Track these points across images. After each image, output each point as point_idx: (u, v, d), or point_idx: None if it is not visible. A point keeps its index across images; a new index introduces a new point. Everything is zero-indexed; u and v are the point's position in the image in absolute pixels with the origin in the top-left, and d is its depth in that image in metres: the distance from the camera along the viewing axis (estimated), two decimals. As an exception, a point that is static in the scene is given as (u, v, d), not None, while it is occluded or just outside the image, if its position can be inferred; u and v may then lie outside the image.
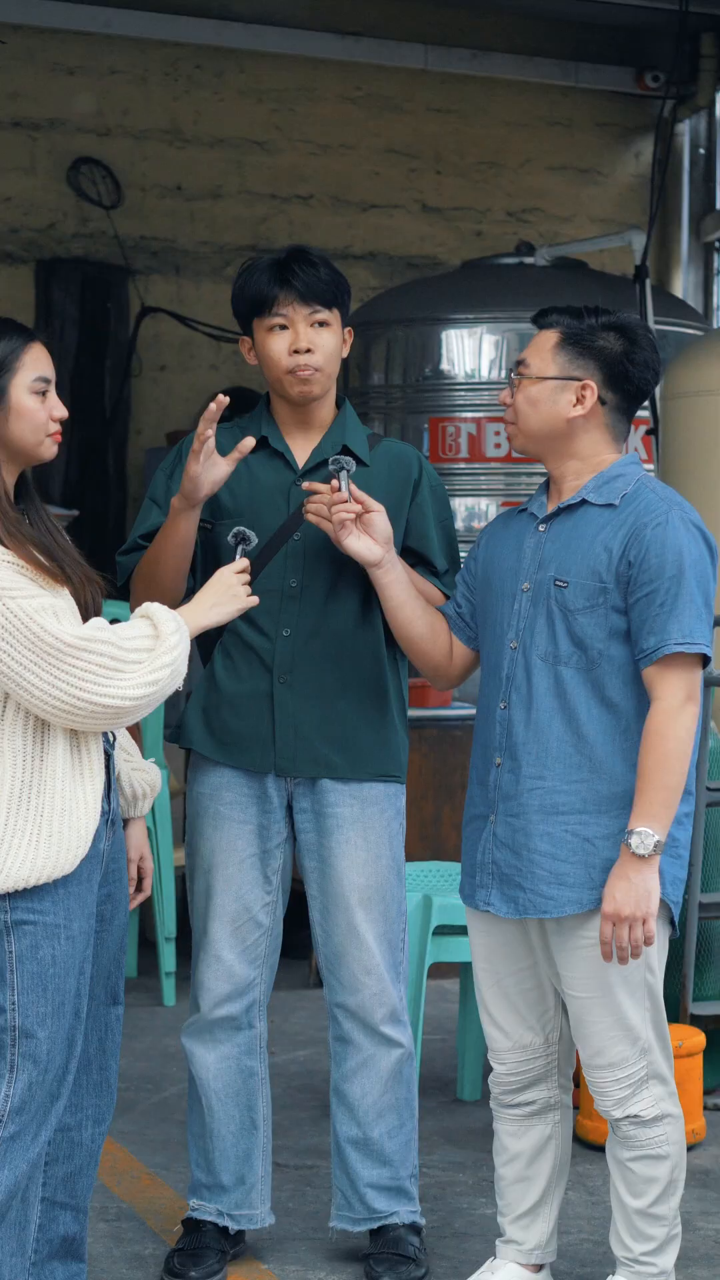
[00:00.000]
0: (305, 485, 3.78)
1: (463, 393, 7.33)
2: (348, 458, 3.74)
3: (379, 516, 3.70)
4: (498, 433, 7.20)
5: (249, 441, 3.70)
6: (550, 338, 3.62)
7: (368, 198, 10.16)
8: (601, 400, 3.60)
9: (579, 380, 3.59)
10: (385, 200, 10.19)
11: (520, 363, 3.65)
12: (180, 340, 9.85)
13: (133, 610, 3.71)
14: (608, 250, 8.74)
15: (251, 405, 4.11)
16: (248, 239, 9.90)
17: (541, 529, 3.64)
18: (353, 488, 3.69)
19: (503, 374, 7.28)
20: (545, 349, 3.62)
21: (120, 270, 9.69)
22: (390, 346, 7.45)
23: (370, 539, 3.69)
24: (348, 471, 3.70)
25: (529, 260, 7.61)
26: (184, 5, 9.30)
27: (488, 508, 7.24)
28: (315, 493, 3.75)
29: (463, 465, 7.20)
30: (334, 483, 3.69)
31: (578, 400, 3.59)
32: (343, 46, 9.59)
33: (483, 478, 7.24)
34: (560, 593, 3.56)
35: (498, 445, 7.21)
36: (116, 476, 9.66)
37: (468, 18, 9.76)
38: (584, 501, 3.60)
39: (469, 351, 7.34)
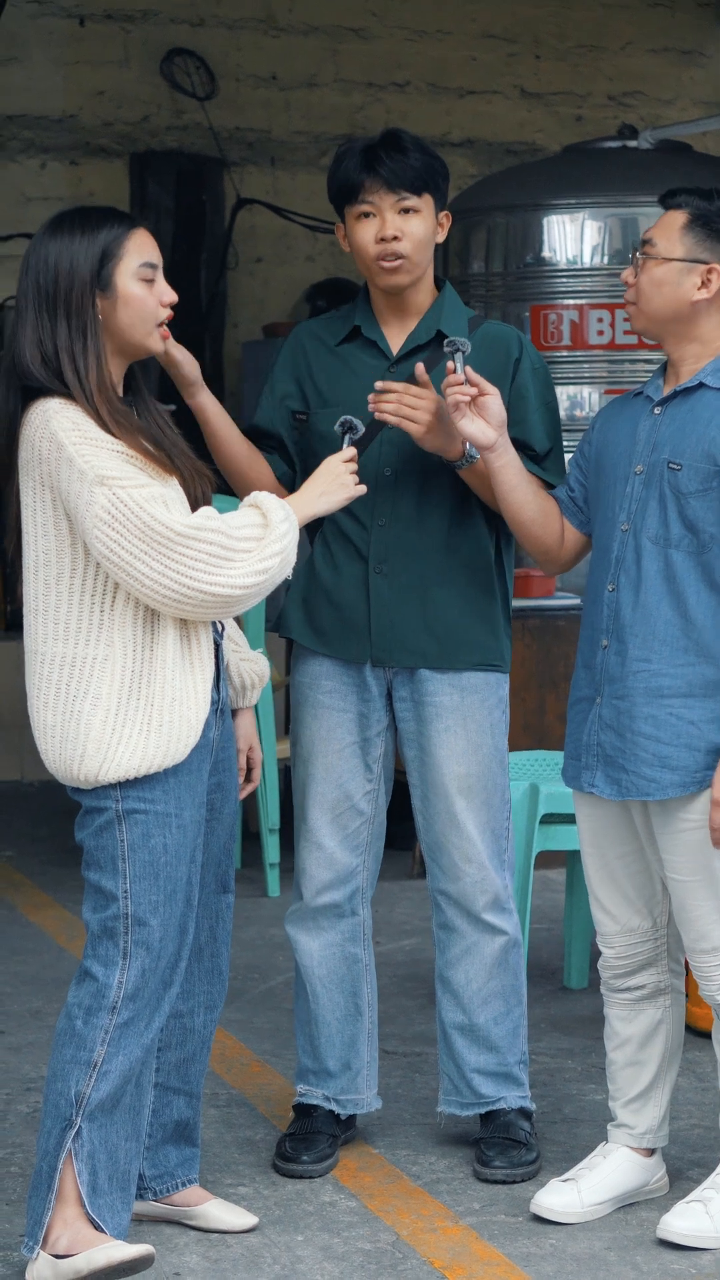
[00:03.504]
0: (379, 385, 3.73)
1: (565, 280, 7.22)
2: (463, 339, 3.69)
3: (493, 399, 3.66)
4: (600, 320, 7.11)
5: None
6: (678, 218, 3.56)
7: (465, 84, 10.01)
8: None
9: (705, 263, 3.54)
10: (483, 86, 10.04)
11: (646, 241, 3.59)
12: (276, 232, 9.78)
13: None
14: (710, 133, 8.58)
15: (346, 297, 4.09)
16: (344, 128, 9.79)
17: (657, 411, 3.60)
18: (468, 370, 3.65)
19: (605, 260, 7.18)
20: (673, 229, 3.56)
21: (215, 162, 9.62)
22: (490, 234, 7.35)
23: (484, 422, 3.66)
24: (463, 353, 3.65)
25: (632, 144, 7.46)
26: None
27: (590, 395, 7.16)
28: (374, 403, 3.70)
29: (565, 353, 7.11)
30: (450, 364, 3.65)
31: (703, 283, 3.54)
32: (439, -71, 9.43)
33: (585, 365, 7.15)
34: (674, 475, 3.52)
35: (600, 333, 7.11)
36: (213, 370, 9.63)
37: None
38: (701, 385, 3.56)
39: (571, 238, 7.23)
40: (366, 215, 3.80)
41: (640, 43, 10.24)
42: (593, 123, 10.04)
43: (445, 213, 3.88)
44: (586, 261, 7.22)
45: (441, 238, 3.88)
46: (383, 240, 3.78)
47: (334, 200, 3.87)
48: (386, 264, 3.79)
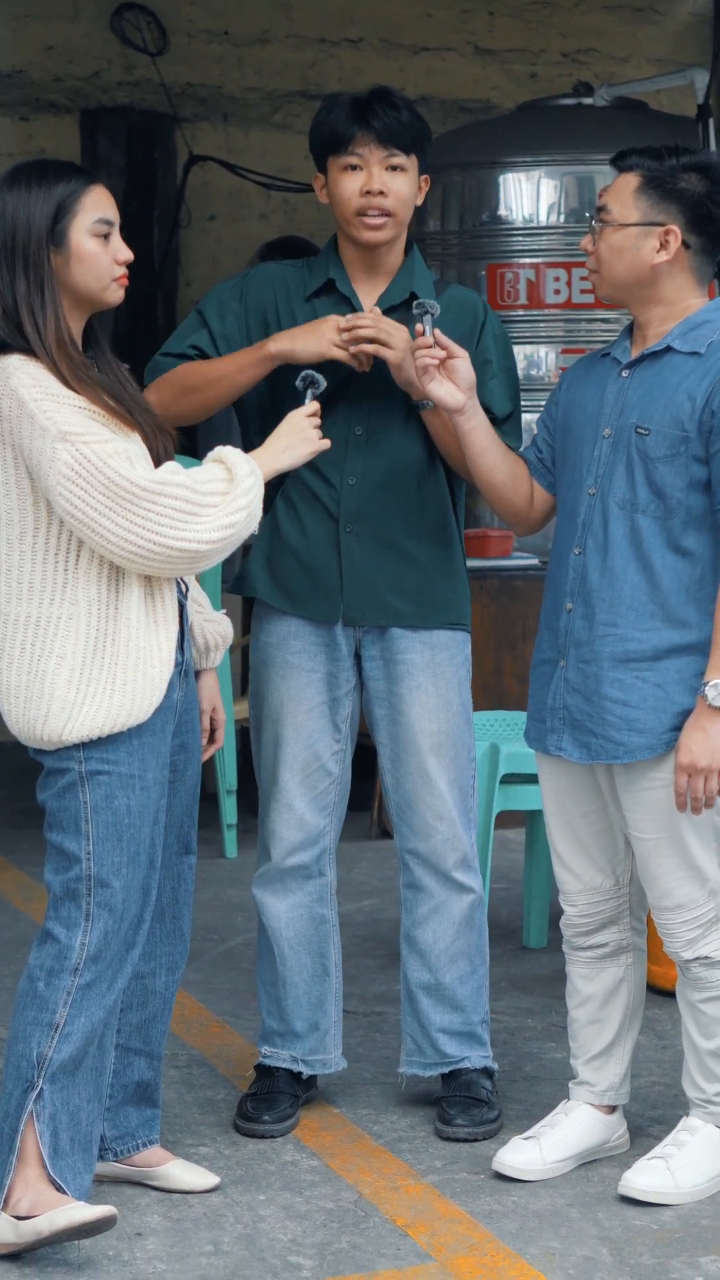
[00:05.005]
0: (349, 317, 3.71)
1: (521, 238, 7.20)
2: (433, 301, 3.68)
3: (462, 362, 3.64)
4: (557, 279, 7.09)
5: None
6: (631, 181, 3.53)
7: (419, 40, 9.94)
8: (685, 244, 3.52)
9: (662, 225, 3.51)
10: (437, 42, 9.97)
11: (601, 209, 3.56)
12: (229, 189, 9.70)
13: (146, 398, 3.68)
14: (666, 90, 8.54)
15: (301, 255, 4.05)
16: (296, 84, 9.71)
17: (625, 375, 3.59)
18: (437, 333, 3.63)
19: (561, 218, 7.15)
20: (626, 193, 3.53)
21: (167, 118, 9.53)
22: (446, 192, 7.31)
23: (453, 385, 3.63)
24: (432, 315, 3.63)
25: (588, 101, 7.43)
26: None
27: (547, 354, 7.14)
28: (351, 325, 3.69)
29: (521, 312, 7.09)
30: (419, 327, 3.64)
31: (661, 245, 3.52)
32: None
33: (542, 325, 7.13)
34: (641, 440, 3.51)
35: (557, 292, 7.09)
36: (166, 329, 9.56)
37: None
38: (669, 349, 3.54)
39: (527, 196, 7.20)
40: (353, 168, 3.76)
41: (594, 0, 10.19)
42: (547, 80, 9.99)
43: (425, 176, 3.85)
44: (543, 220, 7.19)
45: (420, 200, 3.86)
46: (369, 194, 3.75)
47: (316, 150, 3.83)
48: (370, 219, 3.76)
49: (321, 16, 9.76)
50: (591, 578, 3.56)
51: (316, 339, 3.67)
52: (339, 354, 3.65)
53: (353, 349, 3.71)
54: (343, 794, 3.98)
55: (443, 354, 3.63)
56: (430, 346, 3.62)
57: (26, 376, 3.26)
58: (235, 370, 3.76)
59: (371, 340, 3.69)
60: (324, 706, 3.90)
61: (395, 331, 3.70)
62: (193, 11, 9.57)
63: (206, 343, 3.85)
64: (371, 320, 3.70)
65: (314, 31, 9.77)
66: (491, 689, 6.20)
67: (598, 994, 3.76)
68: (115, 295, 3.38)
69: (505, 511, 3.77)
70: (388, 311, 3.82)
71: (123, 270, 3.38)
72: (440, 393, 3.63)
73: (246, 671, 6.70)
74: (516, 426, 3.90)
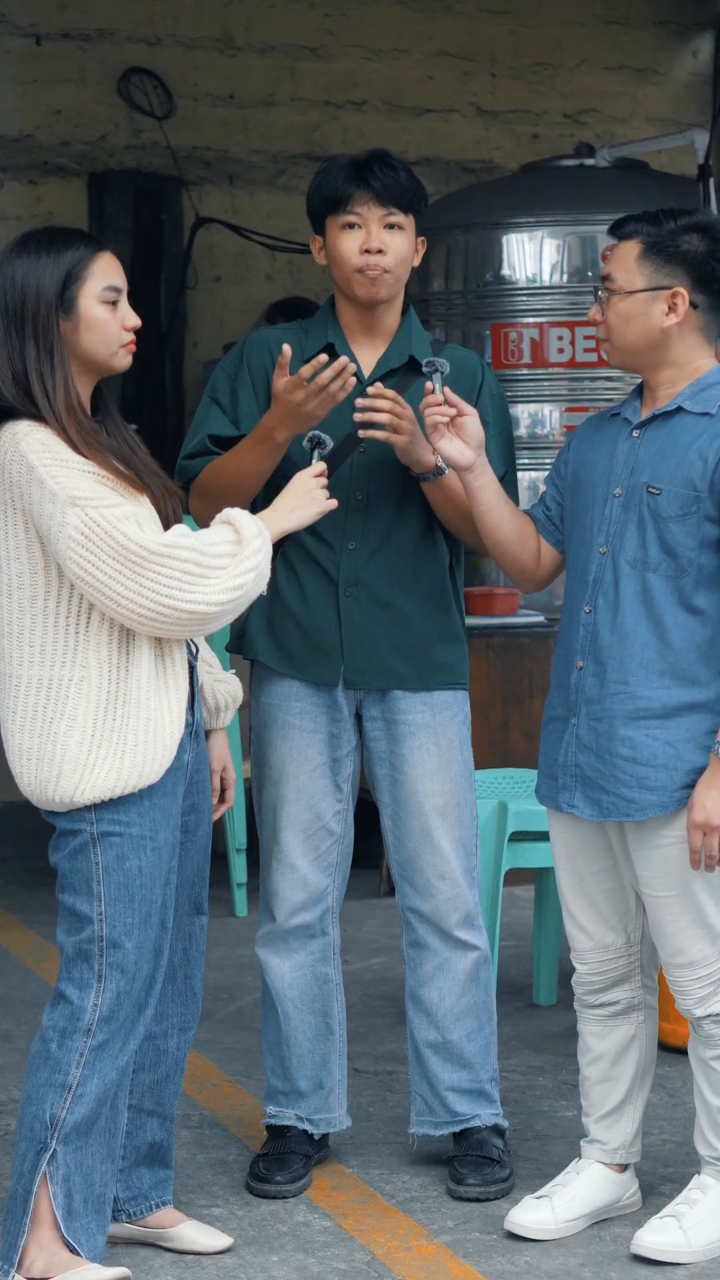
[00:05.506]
0: (370, 390, 3.73)
1: (524, 298, 7.25)
2: (443, 359, 3.71)
3: (471, 420, 3.67)
4: (560, 338, 7.14)
5: (344, 363, 3.62)
6: (632, 249, 3.57)
7: (422, 102, 10.04)
8: (693, 304, 3.56)
9: (668, 288, 3.55)
10: (440, 104, 10.07)
11: (606, 278, 3.60)
12: (235, 251, 9.78)
13: (195, 518, 3.71)
14: (667, 150, 8.62)
15: (306, 316, 4.08)
16: (301, 147, 9.80)
17: (635, 434, 3.62)
18: (447, 391, 3.66)
19: (564, 278, 7.21)
20: (629, 260, 3.57)
21: (173, 181, 9.62)
22: (450, 252, 7.37)
23: (462, 442, 3.67)
24: (442, 373, 3.66)
25: (589, 162, 7.49)
26: None
27: (551, 413, 7.18)
28: (368, 408, 3.69)
29: (525, 371, 7.14)
30: (429, 385, 3.67)
31: (670, 308, 3.55)
32: (395, -52, 9.45)
33: (545, 384, 7.18)
34: (653, 500, 3.54)
35: (560, 351, 7.14)
36: (173, 390, 9.63)
37: None
38: (680, 409, 3.58)
39: (530, 256, 7.26)
40: (352, 226, 3.80)
41: (595, 60, 10.28)
42: (549, 140, 10.07)
43: (422, 238, 3.89)
44: (546, 280, 7.25)
45: (417, 261, 3.89)
46: (367, 251, 3.78)
47: (314, 210, 3.86)
48: (369, 274, 3.79)
49: (325, 80, 9.86)
50: (602, 636, 3.58)
51: (310, 502, 3.53)
52: (331, 505, 3.56)
53: (363, 433, 3.72)
54: (345, 853, 3.99)
55: (453, 412, 3.66)
56: (441, 404, 3.65)
57: (36, 442, 3.29)
58: (253, 461, 3.75)
59: (390, 424, 3.70)
60: (325, 767, 3.91)
61: (405, 413, 3.71)
62: (198, 76, 9.67)
63: (223, 427, 3.86)
64: (390, 405, 3.70)
65: (318, 95, 9.87)
66: (498, 746, 6.22)
67: (609, 1052, 3.76)
68: (123, 361, 3.42)
69: (512, 569, 3.79)
70: (387, 375, 3.86)
71: (130, 336, 3.42)
72: (450, 450, 3.66)
73: (251, 731, 6.72)
74: (513, 486, 3.92)
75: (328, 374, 3.62)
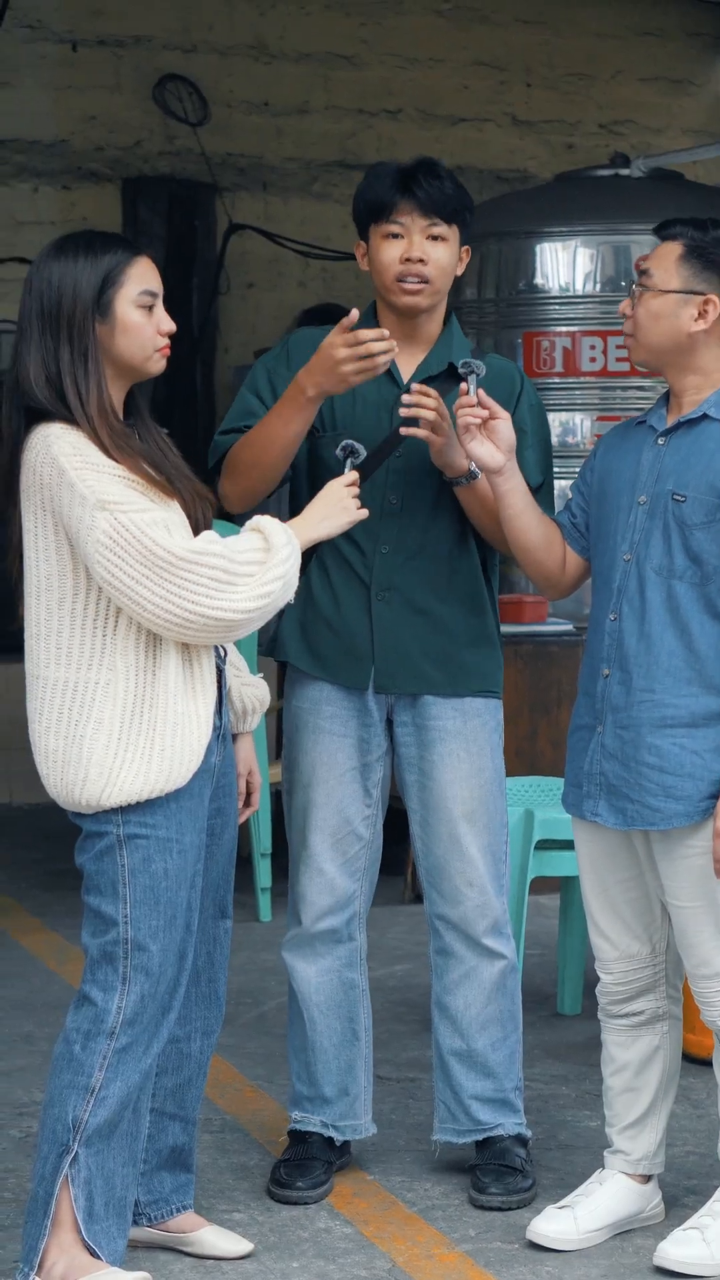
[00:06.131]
0: (415, 387, 3.73)
1: (557, 306, 7.25)
2: (479, 362, 3.71)
3: (503, 423, 3.67)
4: (593, 346, 7.14)
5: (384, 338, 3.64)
6: (673, 249, 3.57)
7: (456, 111, 10.05)
8: None
9: (702, 295, 3.55)
10: (474, 114, 10.08)
11: (643, 273, 3.60)
12: (268, 257, 9.80)
13: (223, 500, 3.71)
14: (702, 161, 8.62)
15: (339, 320, 4.09)
16: (335, 154, 9.82)
17: (661, 442, 3.61)
18: (481, 393, 3.66)
19: (598, 287, 7.21)
20: (668, 261, 3.57)
21: (207, 187, 9.64)
22: (483, 260, 7.38)
23: (493, 445, 3.67)
24: (477, 375, 3.67)
25: (624, 172, 7.50)
26: None
27: (582, 421, 7.18)
28: (414, 405, 3.71)
29: (557, 380, 7.14)
30: (463, 385, 3.67)
31: (700, 315, 3.55)
32: (431, -43, 9.47)
33: (577, 392, 7.18)
34: (678, 507, 3.54)
35: (593, 360, 7.14)
36: (204, 395, 9.65)
37: None
38: (705, 416, 3.57)
39: (563, 265, 7.26)
40: (394, 235, 3.81)
41: (630, 71, 10.29)
42: (583, 150, 10.08)
43: (466, 247, 3.90)
44: (579, 289, 7.25)
45: (461, 271, 3.90)
46: (408, 261, 3.79)
47: (359, 217, 3.87)
48: (408, 285, 3.80)
49: (360, 88, 9.88)
50: (628, 644, 3.58)
51: (341, 511, 3.51)
52: (362, 514, 3.54)
53: (404, 430, 3.72)
54: (374, 859, 3.99)
55: (485, 414, 3.66)
56: (474, 406, 3.65)
57: (67, 445, 3.30)
58: (281, 424, 3.76)
59: (428, 422, 3.70)
60: (355, 771, 3.91)
61: (445, 419, 3.72)
62: (233, 83, 9.70)
63: (259, 415, 3.86)
64: (435, 403, 3.70)
65: (352, 103, 9.89)
66: (526, 754, 6.21)
67: (633, 1062, 3.75)
68: (158, 365, 3.42)
69: (537, 575, 3.79)
70: (426, 381, 3.86)
71: (165, 341, 3.42)
72: (480, 452, 3.66)
73: (281, 735, 6.72)
74: (549, 496, 3.92)
75: (378, 344, 3.63)
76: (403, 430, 3.73)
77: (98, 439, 3.31)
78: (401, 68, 9.94)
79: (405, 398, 3.72)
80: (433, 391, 3.73)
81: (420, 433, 3.72)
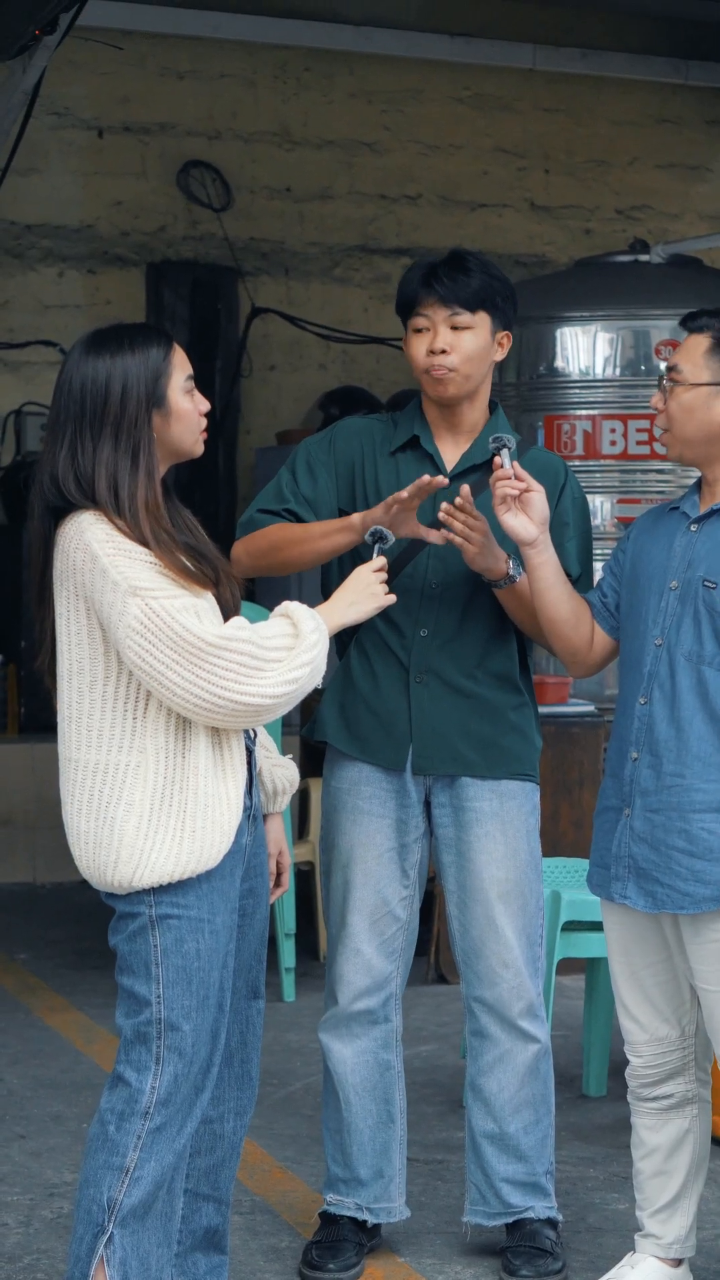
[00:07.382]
0: (459, 500, 3.76)
1: (578, 390, 7.33)
2: (509, 435, 3.78)
3: (538, 496, 3.72)
4: (613, 430, 7.20)
5: (439, 480, 3.71)
6: (701, 342, 3.62)
7: (476, 197, 10.17)
8: None
9: None
10: (494, 199, 10.21)
11: (672, 368, 3.65)
12: (289, 340, 9.90)
13: (234, 554, 3.74)
14: (718, 247, 8.71)
15: (359, 405, 4.17)
16: (357, 239, 9.94)
17: (693, 529, 3.66)
18: (515, 465, 3.72)
19: (617, 371, 7.28)
20: (697, 354, 3.62)
21: (230, 271, 9.76)
22: (504, 345, 7.47)
23: (527, 518, 3.71)
24: (510, 449, 3.73)
25: (643, 258, 7.60)
26: (292, 9, 9.35)
27: (603, 504, 7.23)
28: (449, 518, 3.75)
29: (578, 463, 7.20)
30: (497, 459, 3.73)
31: None
32: (451, 47, 9.60)
33: (598, 475, 7.24)
34: (709, 594, 3.57)
35: (613, 443, 7.20)
36: (227, 476, 9.73)
37: (576, 17, 9.75)
38: (738, 504, 3.61)
39: (583, 349, 7.35)
40: (422, 330, 3.89)
41: (647, 158, 10.41)
42: (601, 236, 10.19)
43: (505, 332, 3.96)
44: (599, 373, 7.33)
45: (500, 356, 3.96)
46: (432, 353, 3.87)
47: (399, 314, 3.97)
48: (434, 374, 3.88)
49: (381, 174, 10.01)
50: (659, 728, 3.61)
51: (369, 597, 3.53)
52: (389, 600, 3.55)
53: (431, 535, 3.77)
54: (410, 940, 4.01)
55: (522, 486, 3.71)
56: (509, 479, 3.70)
57: (100, 532, 3.32)
58: (320, 535, 3.84)
59: (461, 533, 3.75)
60: (393, 852, 3.94)
61: (477, 524, 3.77)
62: (256, 169, 9.83)
63: (298, 504, 3.94)
64: (465, 519, 3.75)
65: (374, 188, 10.02)
66: (548, 835, 6.20)
67: (663, 1145, 3.75)
68: (200, 448, 3.48)
69: (564, 650, 3.82)
70: (469, 470, 3.92)
71: (205, 422, 3.48)
72: (514, 524, 3.71)
73: (304, 815, 6.75)
74: (587, 586, 3.96)
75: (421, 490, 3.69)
76: (429, 537, 3.78)
77: (138, 533, 3.33)
78: (422, 154, 10.07)
79: (445, 506, 3.75)
80: (471, 507, 3.76)
81: (452, 537, 3.76)
